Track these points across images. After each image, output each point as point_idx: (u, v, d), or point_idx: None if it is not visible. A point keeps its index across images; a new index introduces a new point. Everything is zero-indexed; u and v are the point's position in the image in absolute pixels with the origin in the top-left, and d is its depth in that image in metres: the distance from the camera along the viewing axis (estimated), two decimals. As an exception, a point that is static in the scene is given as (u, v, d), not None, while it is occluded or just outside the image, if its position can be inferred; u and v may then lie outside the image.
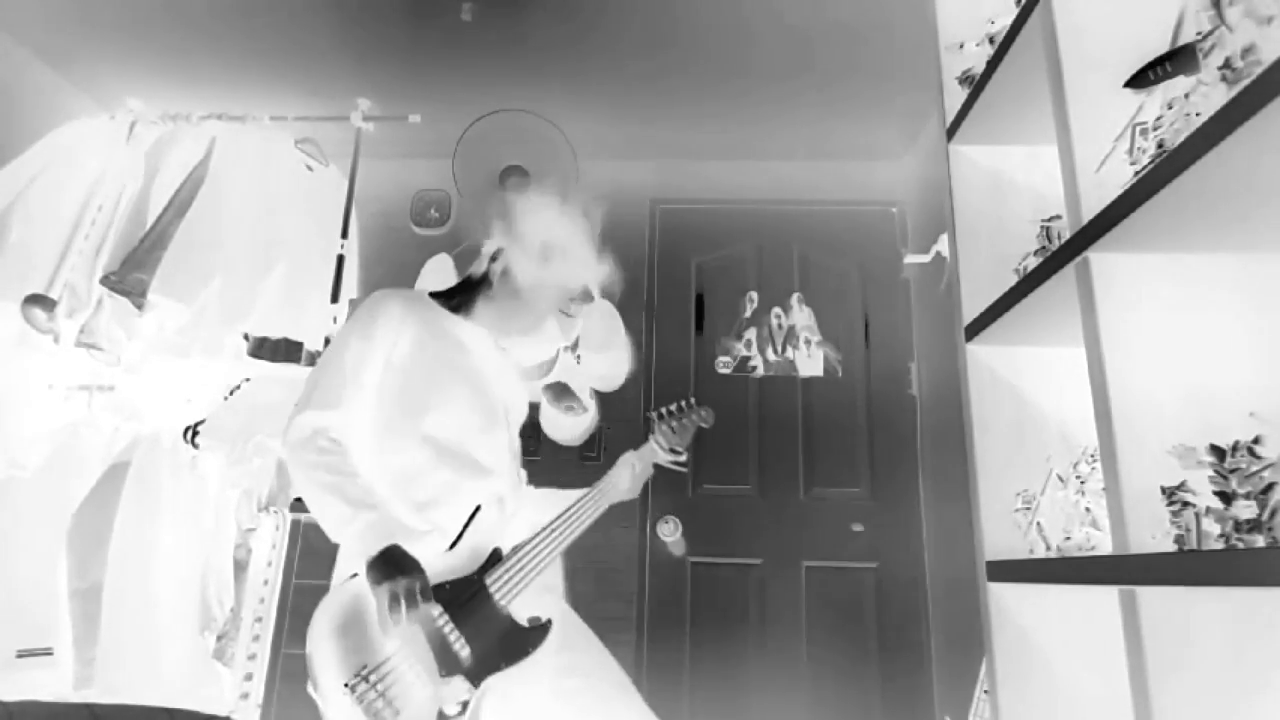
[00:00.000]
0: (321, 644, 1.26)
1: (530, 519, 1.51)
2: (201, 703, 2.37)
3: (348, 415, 1.39)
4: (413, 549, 1.30)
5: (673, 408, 1.67)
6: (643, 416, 2.97)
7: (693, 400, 1.69)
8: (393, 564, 1.25)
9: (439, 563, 1.34)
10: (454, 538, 1.39)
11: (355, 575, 1.32)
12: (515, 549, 1.41)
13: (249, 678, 2.43)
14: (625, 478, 1.58)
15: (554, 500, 1.57)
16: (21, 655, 2.31)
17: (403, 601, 1.22)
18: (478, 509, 1.43)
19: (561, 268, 1.54)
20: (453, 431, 1.45)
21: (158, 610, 2.39)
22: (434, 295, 1.59)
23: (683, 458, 1.66)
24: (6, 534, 2.39)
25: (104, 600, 2.34)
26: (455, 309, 1.57)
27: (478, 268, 1.59)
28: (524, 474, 1.65)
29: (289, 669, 2.52)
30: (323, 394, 1.40)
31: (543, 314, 1.60)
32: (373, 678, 1.22)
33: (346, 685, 1.20)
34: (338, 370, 1.42)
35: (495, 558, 1.39)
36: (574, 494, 1.55)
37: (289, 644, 2.54)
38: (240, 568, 2.49)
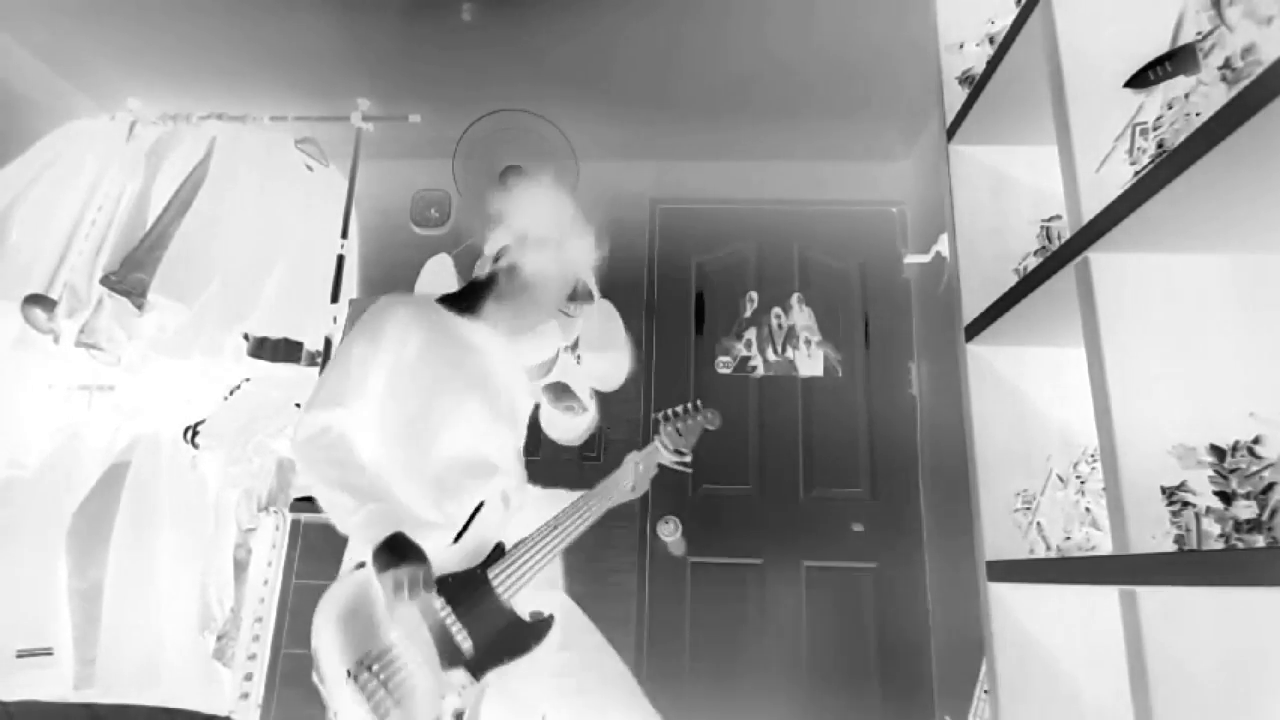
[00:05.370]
0: (326, 632, 1.29)
1: (533, 517, 1.52)
2: (201, 703, 2.37)
3: (353, 413, 1.42)
4: (418, 541, 1.31)
5: (679, 409, 1.69)
6: (648, 417, 2.97)
7: (699, 402, 1.71)
8: (397, 552, 1.27)
9: (442, 556, 1.35)
10: (457, 532, 1.41)
11: (361, 565, 1.34)
12: (518, 545, 1.43)
13: (249, 678, 2.43)
14: (629, 478, 1.60)
15: (557, 500, 1.59)
16: (21, 655, 2.31)
17: (406, 588, 1.24)
18: (480, 505, 1.45)
19: (562, 253, 1.57)
20: (461, 429, 1.48)
21: (158, 610, 2.39)
22: (442, 300, 1.62)
23: (688, 459, 1.67)
24: (6, 534, 2.39)
25: (104, 600, 2.35)
26: (463, 311, 1.59)
27: (482, 269, 1.62)
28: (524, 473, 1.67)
29: (289, 669, 2.52)
30: (328, 393, 1.44)
31: (550, 306, 1.63)
32: (375, 666, 1.24)
33: (349, 673, 1.23)
34: (344, 371, 1.45)
35: (498, 553, 1.41)
36: (577, 494, 1.57)
37: (289, 644, 2.54)
38: (240, 568, 2.49)
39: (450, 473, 1.45)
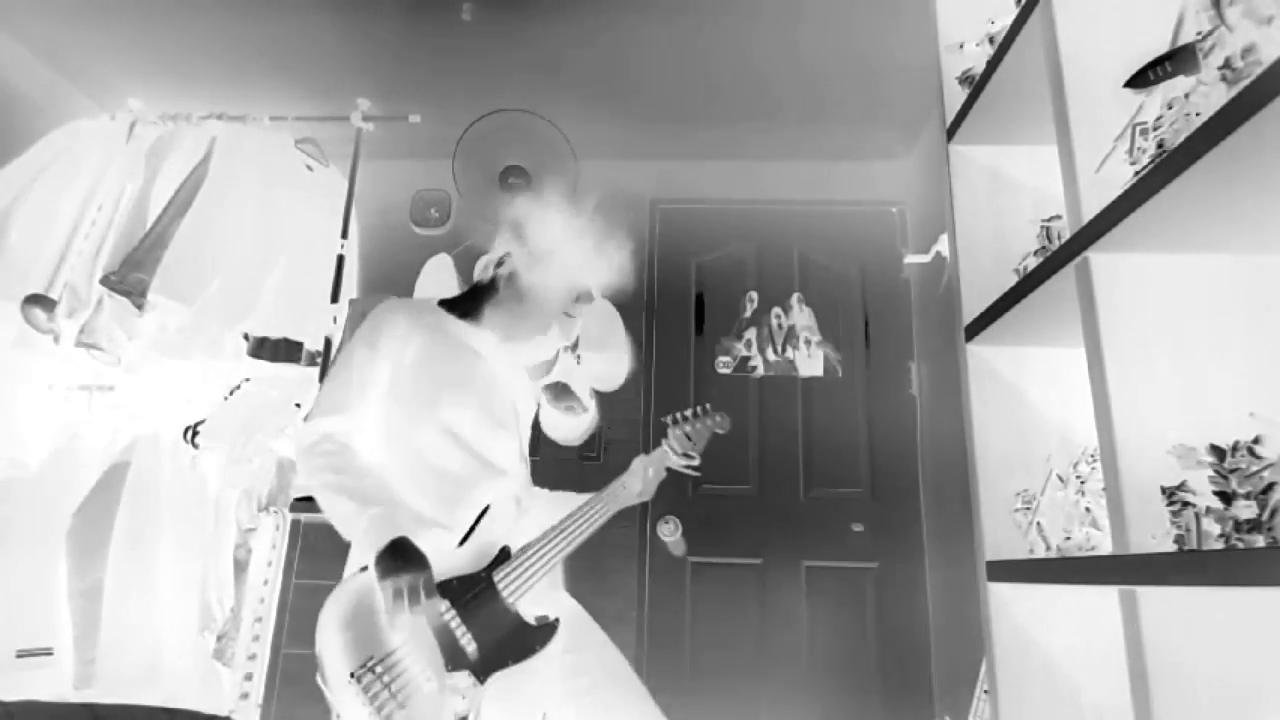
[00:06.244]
0: (330, 635, 1.29)
1: (539, 520, 1.52)
2: (201, 703, 2.37)
3: (355, 419, 1.43)
4: (421, 544, 1.31)
5: (688, 413, 1.68)
6: (648, 417, 2.97)
7: (708, 405, 1.70)
8: (399, 558, 1.27)
9: (447, 560, 1.36)
10: (463, 535, 1.42)
11: (365, 569, 1.34)
12: (524, 548, 1.44)
13: (249, 678, 2.43)
14: (637, 482, 1.60)
15: (564, 502, 1.60)
16: (21, 655, 2.31)
17: (406, 597, 1.24)
18: (486, 508, 1.45)
19: (566, 270, 1.56)
20: (465, 432, 1.48)
21: (158, 610, 2.39)
22: (443, 303, 1.62)
23: (696, 462, 1.66)
24: (6, 534, 2.39)
25: (104, 600, 2.35)
26: (464, 315, 1.59)
27: (484, 274, 1.62)
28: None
29: (289, 669, 2.52)
30: (329, 400, 1.45)
31: (549, 316, 1.62)
32: (379, 669, 1.24)
33: (352, 675, 1.23)
34: (345, 378, 1.46)
35: (504, 556, 1.42)
36: (584, 497, 1.57)
37: (289, 644, 2.54)
38: (240, 568, 2.49)
39: (454, 477, 1.45)
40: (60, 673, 2.31)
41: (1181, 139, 0.82)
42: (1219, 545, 0.80)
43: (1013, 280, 1.24)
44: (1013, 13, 1.31)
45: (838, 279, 3.09)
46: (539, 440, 2.80)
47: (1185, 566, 0.79)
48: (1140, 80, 0.98)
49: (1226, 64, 0.86)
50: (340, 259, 2.72)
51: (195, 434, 2.51)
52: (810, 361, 3.00)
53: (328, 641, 1.28)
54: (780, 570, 2.81)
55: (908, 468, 2.87)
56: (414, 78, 2.71)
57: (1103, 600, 1.21)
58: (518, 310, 1.57)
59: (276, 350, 2.61)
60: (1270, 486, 0.78)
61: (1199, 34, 0.92)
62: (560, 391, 2.67)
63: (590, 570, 2.73)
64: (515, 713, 1.35)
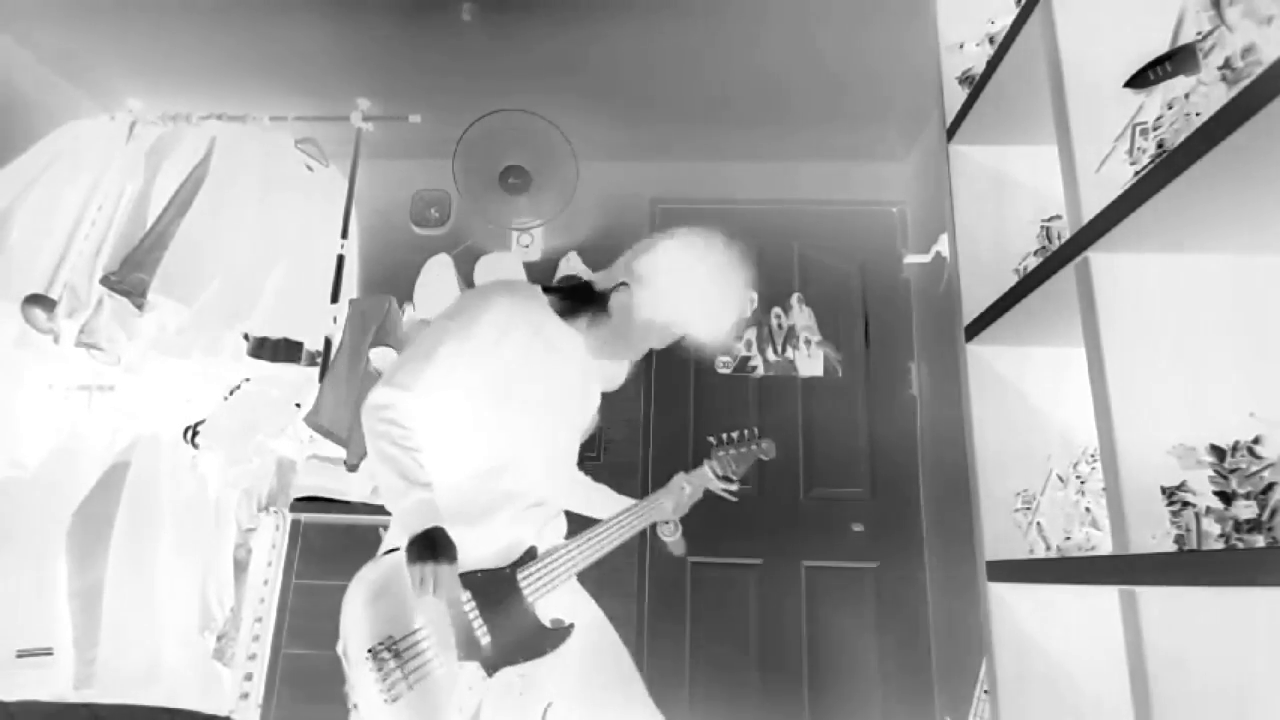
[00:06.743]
0: (355, 610, 1.32)
1: (584, 498, 1.58)
2: (201, 703, 2.37)
3: (420, 399, 1.36)
4: (454, 533, 1.30)
5: (734, 435, 1.68)
6: (648, 417, 2.97)
7: (755, 430, 1.70)
8: (431, 546, 1.27)
9: (475, 551, 1.35)
10: (496, 531, 1.41)
11: (395, 549, 1.35)
12: (550, 550, 1.45)
13: (249, 678, 2.43)
14: (673, 499, 1.60)
15: (604, 496, 1.64)
16: (21, 655, 2.31)
17: (430, 585, 1.25)
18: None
19: (682, 319, 1.49)
20: (526, 431, 1.45)
21: (158, 610, 2.39)
22: (548, 290, 1.54)
23: (734, 486, 1.67)
24: (6, 534, 2.39)
25: (104, 600, 2.35)
26: (563, 312, 1.51)
27: (600, 283, 1.52)
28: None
29: (289, 669, 2.52)
30: (404, 374, 1.37)
31: (642, 351, 1.56)
32: (395, 649, 1.27)
33: (370, 651, 1.26)
34: (426, 357, 1.38)
35: (530, 555, 1.42)
36: (620, 503, 1.60)
37: (289, 644, 2.53)
38: (240, 568, 2.49)
39: (504, 471, 1.43)
40: (60, 673, 2.31)
41: (1181, 139, 0.82)
42: (1219, 545, 0.80)
43: (1013, 280, 1.24)
44: (1013, 13, 1.31)
45: (838, 279, 3.09)
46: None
47: (1185, 566, 0.79)
48: (1140, 80, 0.98)
49: (1226, 64, 0.86)
50: (340, 259, 2.72)
51: (195, 434, 2.51)
52: (810, 361, 2.99)
53: (352, 616, 1.31)
54: (780, 570, 2.81)
55: (908, 468, 2.87)
56: (414, 78, 2.72)
57: (1103, 600, 1.21)
58: (619, 339, 1.50)
59: (276, 350, 2.61)
60: (1270, 486, 0.78)
61: (1199, 34, 0.92)
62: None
63: (591, 570, 2.72)
64: (522, 695, 1.36)
